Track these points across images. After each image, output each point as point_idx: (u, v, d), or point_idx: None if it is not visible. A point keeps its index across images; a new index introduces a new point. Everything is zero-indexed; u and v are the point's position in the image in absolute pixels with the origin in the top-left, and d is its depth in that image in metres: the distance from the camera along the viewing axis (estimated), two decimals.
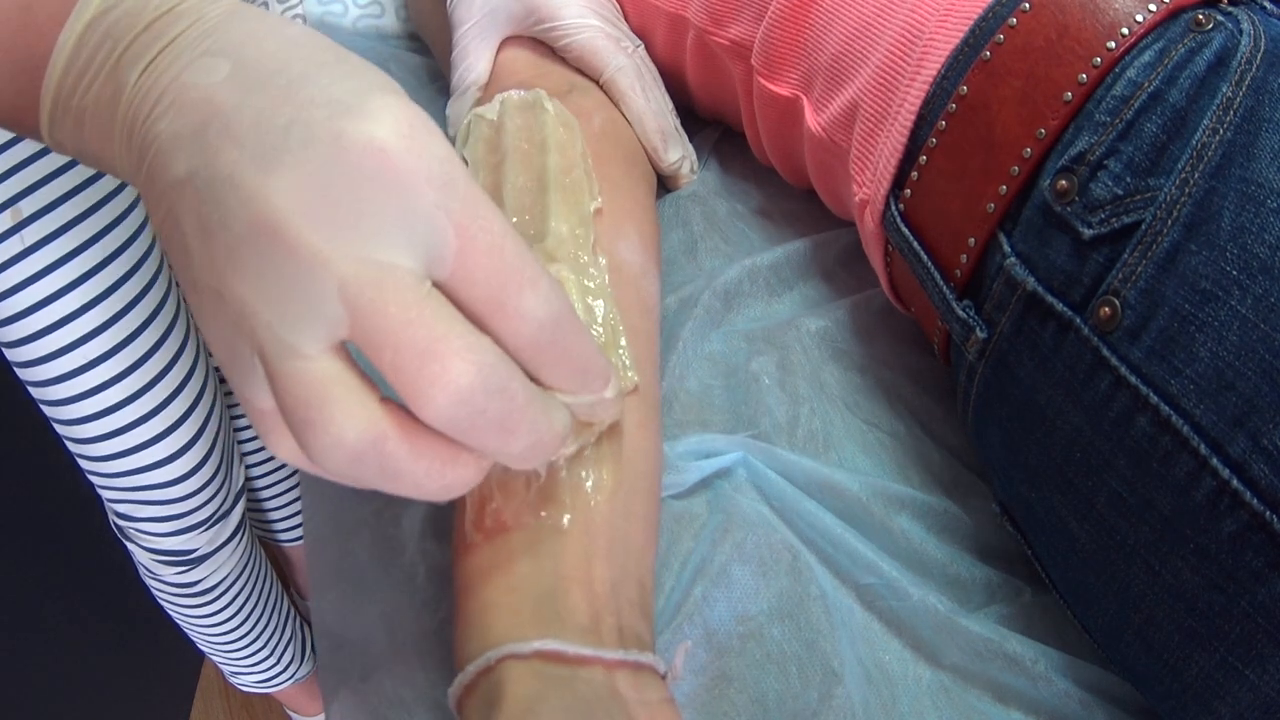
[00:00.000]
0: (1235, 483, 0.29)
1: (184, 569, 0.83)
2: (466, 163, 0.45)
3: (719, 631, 0.37)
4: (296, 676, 1.05)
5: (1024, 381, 0.36)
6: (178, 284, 0.75)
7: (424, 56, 0.69)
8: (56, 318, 0.63)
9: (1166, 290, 0.31)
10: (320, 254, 0.23)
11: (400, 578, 0.42)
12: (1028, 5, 0.36)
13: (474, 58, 0.51)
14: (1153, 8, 0.35)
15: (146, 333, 0.68)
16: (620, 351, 0.38)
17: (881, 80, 0.41)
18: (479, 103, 0.50)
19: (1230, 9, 0.36)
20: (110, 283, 0.65)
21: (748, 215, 0.54)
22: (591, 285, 0.39)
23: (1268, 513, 0.29)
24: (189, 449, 0.74)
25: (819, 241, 0.52)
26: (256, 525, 1.08)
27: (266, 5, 0.72)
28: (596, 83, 0.50)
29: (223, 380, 0.91)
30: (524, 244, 0.26)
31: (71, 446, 0.72)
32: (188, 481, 0.75)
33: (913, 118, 0.39)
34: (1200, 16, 0.35)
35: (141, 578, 0.86)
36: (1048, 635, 0.40)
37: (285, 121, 0.24)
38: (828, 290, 0.51)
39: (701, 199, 0.53)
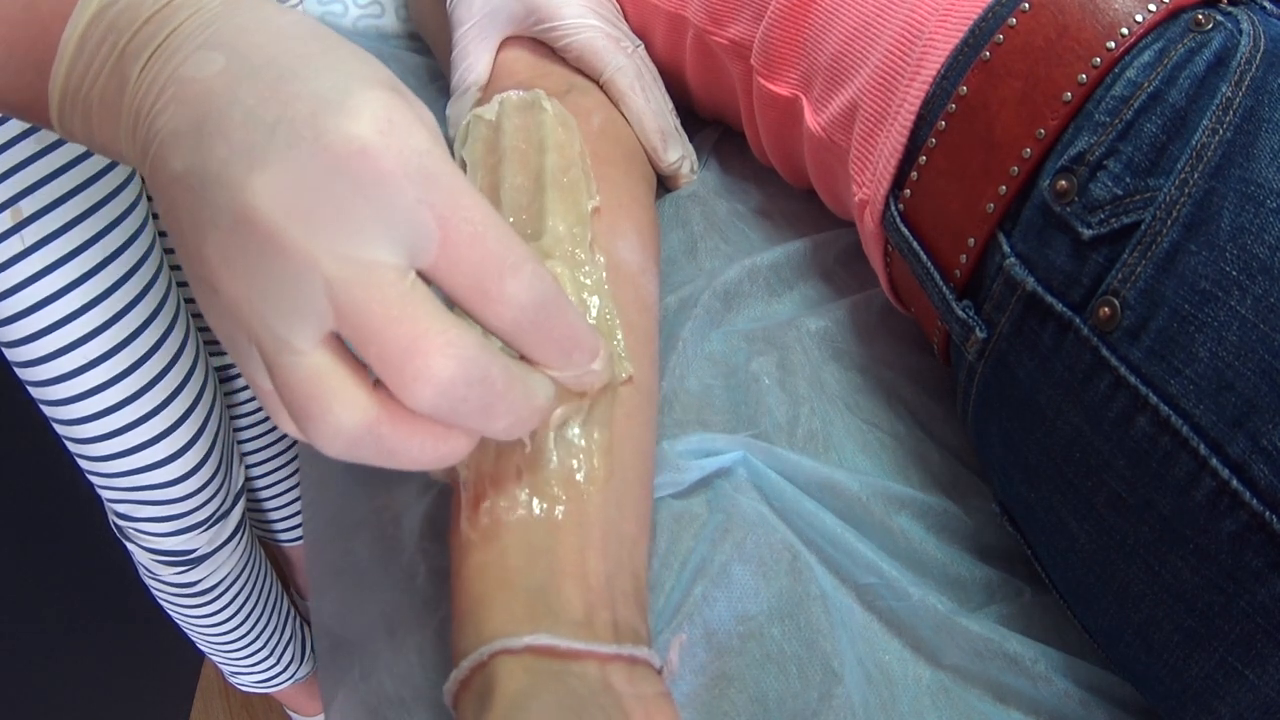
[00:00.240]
0: (1235, 483, 0.29)
1: (184, 569, 0.83)
2: (465, 164, 0.45)
3: (719, 631, 0.37)
4: (296, 676, 1.05)
5: (1023, 381, 0.36)
6: (178, 283, 0.75)
7: (424, 56, 0.69)
8: (56, 318, 0.63)
9: (1166, 290, 0.31)
10: (306, 253, 0.24)
11: (400, 578, 0.42)
12: (1027, 5, 0.36)
13: (474, 58, 0.51)
14: (1152, 8, 0.35)
15: (146, 333, 0.68)
16: (616, 345, 0.39)
17: (881, 80, 0.41)
18: (479, 103, 0.50)
19: (1230, 9, 0.36)
20: (110, 283, 0.65)
21: (748, 215, 0.54)
22: (588, 282, 0.40)
23: (1267, 513, 0.29)
24: (188, 449, 0.74)
25: (819, 241, 0.52)
26: (256, 525, 1.08)
27: None
28: (596, 82, 0.50)
29: (223, 380, 0.92)
30: (508, 231, 0.26)
31: (71, 446, 0.72)
32: (187, 481, 0.75)
33: (912, 118, 0.39)
34: (1200, 16, 0.35)
35: (141, 578, 0.86)
36: (1048, 635, 0.40)
37: (272, 119, 0.24)
38: (828, 290, 0.51)
39: (701, 199, 0.53)
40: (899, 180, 0.40)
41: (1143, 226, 0.32)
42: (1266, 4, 0.37)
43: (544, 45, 0.51)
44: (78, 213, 0.62)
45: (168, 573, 0.83)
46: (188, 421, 0.73)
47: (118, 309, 0.66)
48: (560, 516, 0.34)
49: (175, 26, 0.27)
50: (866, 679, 0.38)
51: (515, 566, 0.33)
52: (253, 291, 0.25)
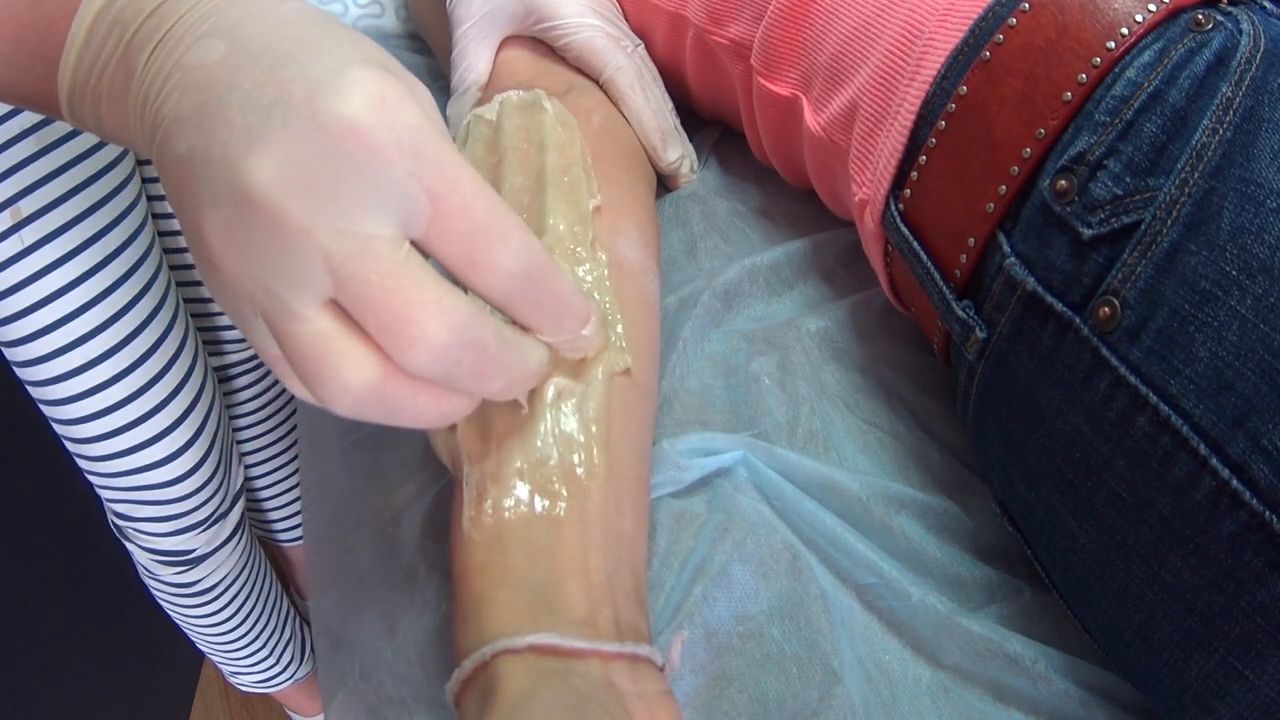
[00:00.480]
0: (1235, 483, 0.29)
1: (183, 569, 0.83)
2: None
3: (719, 631, 0.37)
4: (296, 676, 1.05)
5: (1023, 381, 0.36)
6: (177, 283, 0.75)
7: (424, 56, 0.69)
8: (56, 317, 0.63)
9: (1166, 290, 0.31)
10: (304, 228, 0.25)
11: (400, 578, 0.42)
12: (1027, 5, 0.36)
13: (474, 57, 0.51)
14: (1152, 8, 0.35)
15: (145, 332, 0.68)
16: (615, 338, 0.39)
17: (881, 80, 0.41)
18: (479, 102, 0.51)
19: (1230, 9, 0.36)
20: (109, 282, 0.65)
21: (748, 215, 0.54)
22: (589, 280, 0.40)
23: (1267, 513, 0.29)
24: (187, 449, 0.74)
25: (819, 241, 0.52)
26: (256, 525, 1.08)
27: None
28: (596, 82, 0.50)
29: (222, 380, 0.92)
30: (498, 202, 0.27)
31: (70, 446, 0.72)
32: (186, 481, 0.75)
33: (912, 118, 0.39)
34: (1200, 16, 0.35)
35: (141, 578, 0.86)
36: (1048, 635, 0.40)
37: (269, 102, 0.26)
38: (828, 290, 0.51)
39: (701, 199, 0.53)
40: (899, 180, 0.40)
41: (1143, 226, 0.32)
42: (1266, 4, 0.37)
43: (544, 45, 0.51)
44: (77, 212, 0.62)
45: (167, 573, 0.83)
46: (187, 421, 0.73)
47: (117, 309, 0.66)
48: (561, 513, 0.34)
49: (179, 18, 0.28)
50: (866, 679, 0.38)
51: (516, 565, 0.33)
52: (255, 266, 0.26)
